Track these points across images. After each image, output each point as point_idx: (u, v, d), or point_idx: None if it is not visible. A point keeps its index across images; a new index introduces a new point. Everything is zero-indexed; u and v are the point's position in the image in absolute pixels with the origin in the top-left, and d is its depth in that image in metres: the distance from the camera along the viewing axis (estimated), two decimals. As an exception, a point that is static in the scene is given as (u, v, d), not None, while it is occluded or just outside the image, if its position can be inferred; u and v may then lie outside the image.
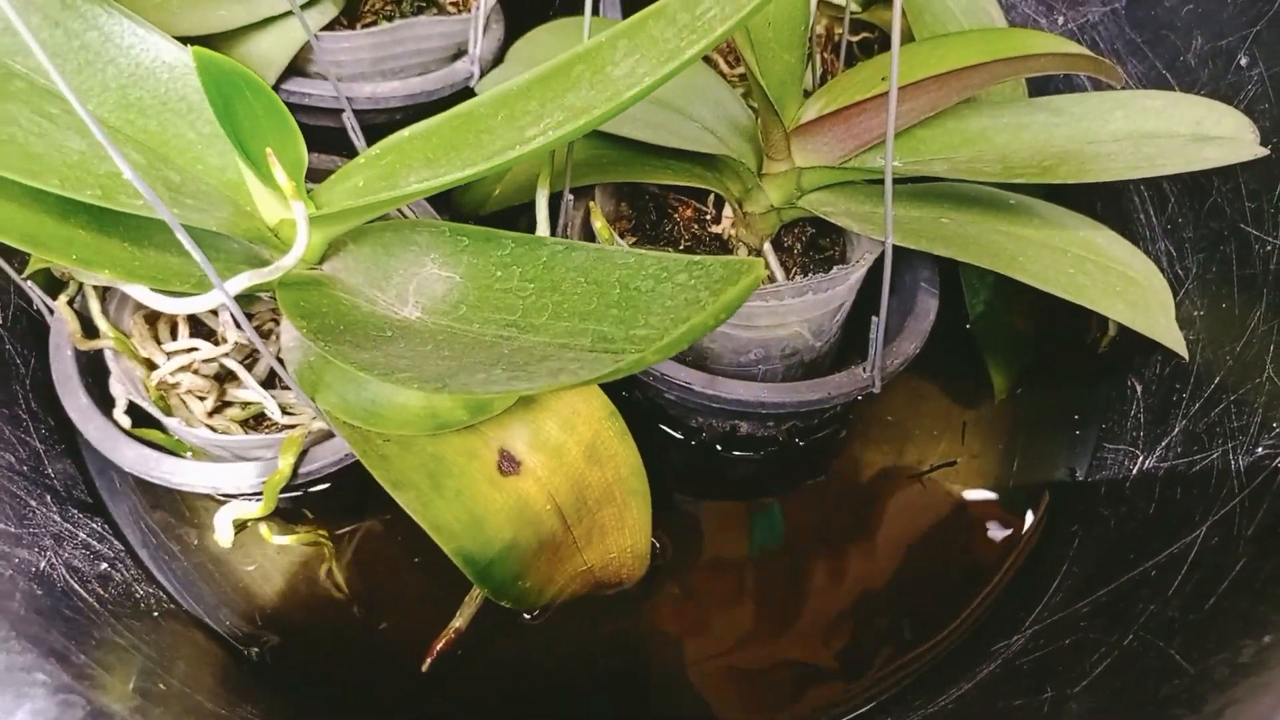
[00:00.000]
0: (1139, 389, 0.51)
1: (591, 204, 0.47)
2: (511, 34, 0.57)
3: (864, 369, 0.46)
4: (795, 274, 0.51)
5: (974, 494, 0.53)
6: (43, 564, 0.36)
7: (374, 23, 0.54)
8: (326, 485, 0.46)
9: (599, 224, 0.47)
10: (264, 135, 0.34)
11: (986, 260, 0.44)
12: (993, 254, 0.44)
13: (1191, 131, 0.45)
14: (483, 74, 0.55)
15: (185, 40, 0.40)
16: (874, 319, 0.43)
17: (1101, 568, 0.43)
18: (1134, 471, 0.47)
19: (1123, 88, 0.50)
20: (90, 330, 0.42)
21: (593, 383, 0.28)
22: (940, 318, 0.50)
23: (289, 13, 0.47)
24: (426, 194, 0.32)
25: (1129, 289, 0.46)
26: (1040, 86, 0.61)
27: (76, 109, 0.23)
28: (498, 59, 0.57)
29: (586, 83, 0.35)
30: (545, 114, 0.35)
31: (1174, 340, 0.45)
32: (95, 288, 0.41)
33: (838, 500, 0.53)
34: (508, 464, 0.41)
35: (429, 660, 0.43)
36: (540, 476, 0.41)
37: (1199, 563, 0.37)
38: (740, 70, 0.60)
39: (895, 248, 0.42)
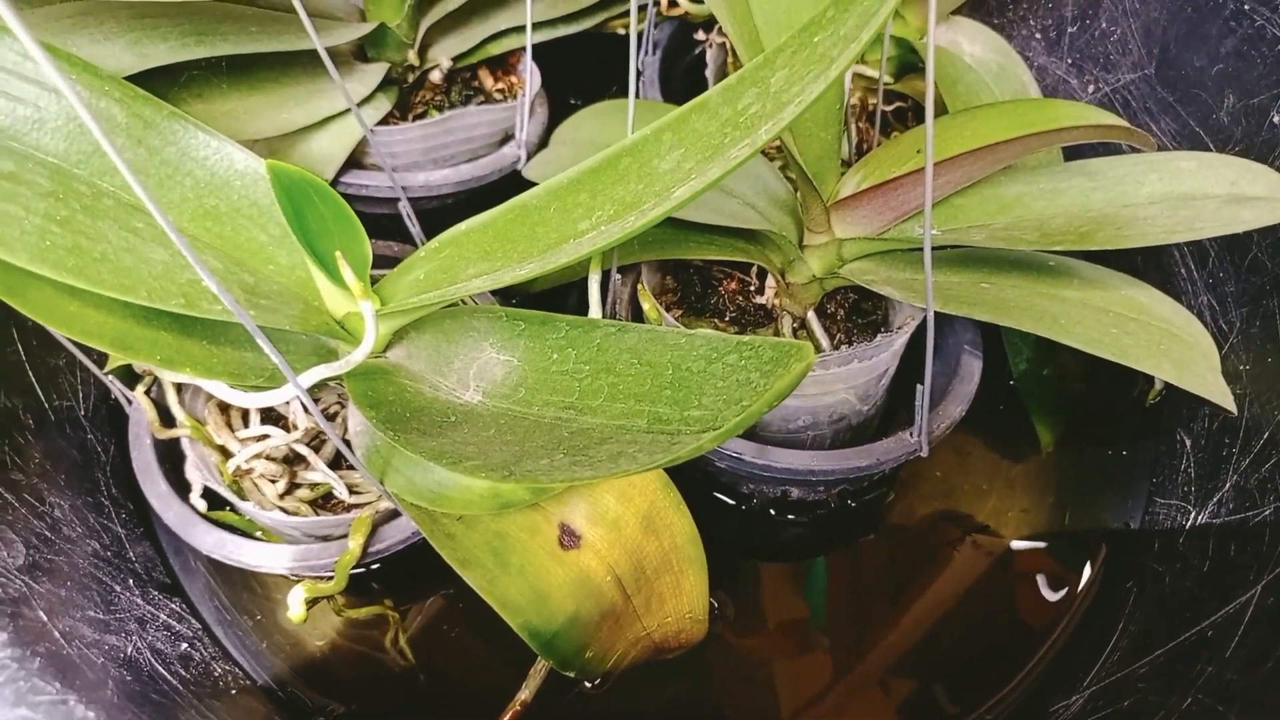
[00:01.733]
0: (1188, 443, 0.51)
1: (640, 287, 0.49)
2: (555, 118, 0.59)
3: (911, 434, 0.46)
4: (839, 340, 0.52)
5: (1026, 549, 0.54)
6: (129, 649, 0.37)
7: (425, 114, 0.56)
8: (393, 560, 0.47)
9: (647, 305, 0.48)
10: (331, 237, 0.36)
11: (1028, 324, 0.44)
12: (1035, 317, 0.45)
13: (1227, 192, 0.46)
14: (529, 157, 0.57)
15: (252, 144, 0.43)
16: (919, 387, 0.44)
17: (1157, 626, 0.43)
18: (1187, 527, 0.47)
19: (1157, 148, 0.51)
20: (167, 419, 0.44)
21: (651, 469, 0.29)
22: (984, 374, 0.50)
23: (346, 111, 0.49)
24: (485, 290, 0.34)
25: (1174, 347, 0.47)
26: (1076, 148, 0.62)
27: (162, 224, 0.25)
28: (543, 142, 0.59)
29: (634, 176, 0.36)
30: (596, 206, 0.37)
31: (1222, 396, 0.46)
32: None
33: (890, 559, 0.53)
34: (568, 538, 0.42)
35: (495, 731, 0.44)
36: (600, 549, 0.42)
37: (1256, 621, 0.37)
38: (777, 142, 0.61)
39: (937, 313, 0.43)
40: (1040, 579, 0.52)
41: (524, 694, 0.44)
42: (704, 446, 0.29)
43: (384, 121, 0.54)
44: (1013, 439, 0.58)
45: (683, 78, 0.74)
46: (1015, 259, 0.50)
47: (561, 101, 0.60)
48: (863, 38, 0.27)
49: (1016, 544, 0.53)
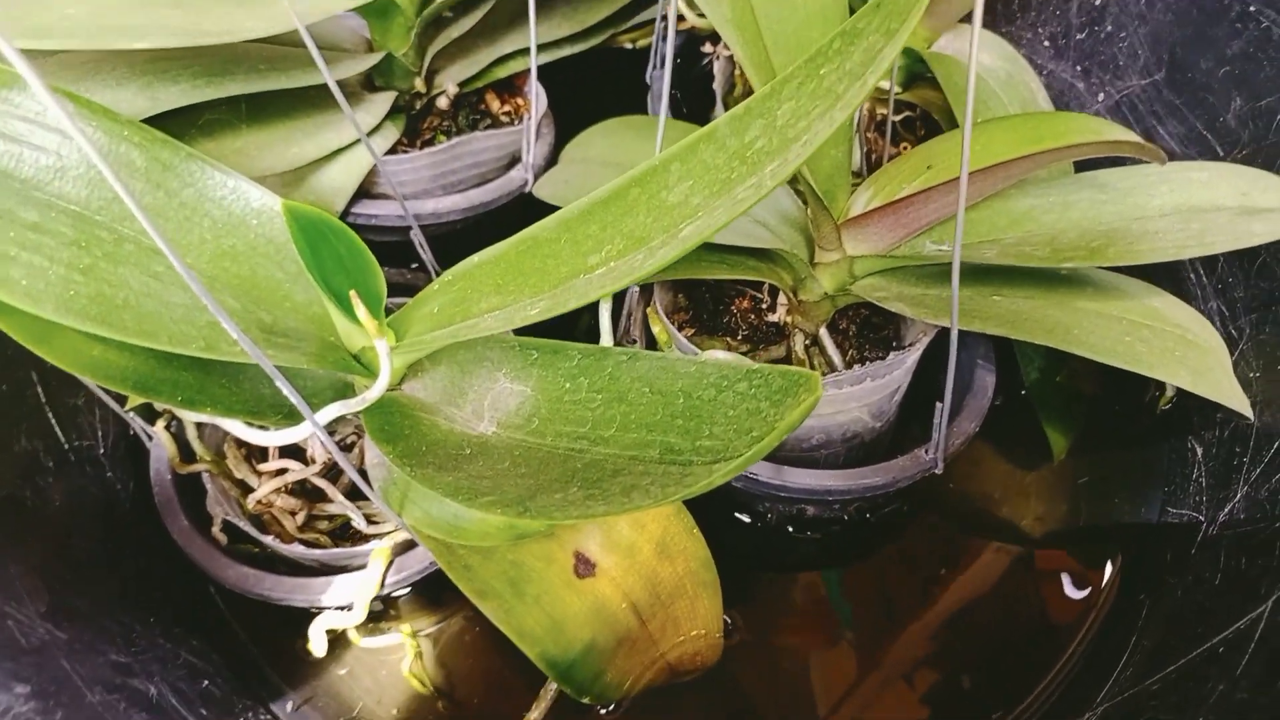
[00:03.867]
0: (1199, 452, 0.52)
1: (651, 309, 0.50)
2: (562, 136, 0.60)
3: (926, 451, 0.47)
4: (852, 357, 0.52)
5: (1039, 561, 0.54)
6: (152, 691, 0.38)
7: (433, 140, 0.57)
8: (410, 588, 0.48)
9: (657, 328, 0.49)
10: (346, 274, 0.36)
11: (1041, 336, 0.45)
12: (1047, 329, 0.46)
13: (1238, 204, 0.47)
14: (536, 179, 0.58)
15: (264, 179, 0.43)
16: (938, 405, 0.45)
17: (1170, 641, 0.44)
18: (1199, 538, 0.48)
19: (1166, 155, 0.52)
20: (187, 453, 0.45)
21: (664, 504, 0.30)
22: (996, 384, 0.51)
23: (355, 141, 0.50)
24: (498, 330, 0.35)
25: (1189, 353, 0.47)
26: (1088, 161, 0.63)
27: (181, 273, 0.26)
28: (550, 162, 0.60)
29: (643, 208, 0.37)
30: (606, 239, 0.37)
31: (1238, 401, 0.46)
32: (191, 415, 0.44)
33: (905, 572, 0.54)
34: (583, 566, 0.42)
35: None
36: (615, 576, 0.43)
37: (1267, 639, 0.37)
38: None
39: (947, 329, 0.44)
40: (1053, 591, 0.53)
41: (533, 714, 0.45)
42: (715, 481, 0.30)
43: (392, 150, 0.55)
44: (1025, 448, 0.59)
45: (691, 90, 0.75)
46: (1027, 271, 0.51)
47: (568, 119, 0.61)
48: (869, 80, 0.28)
49: (1030, 556, 0.54)
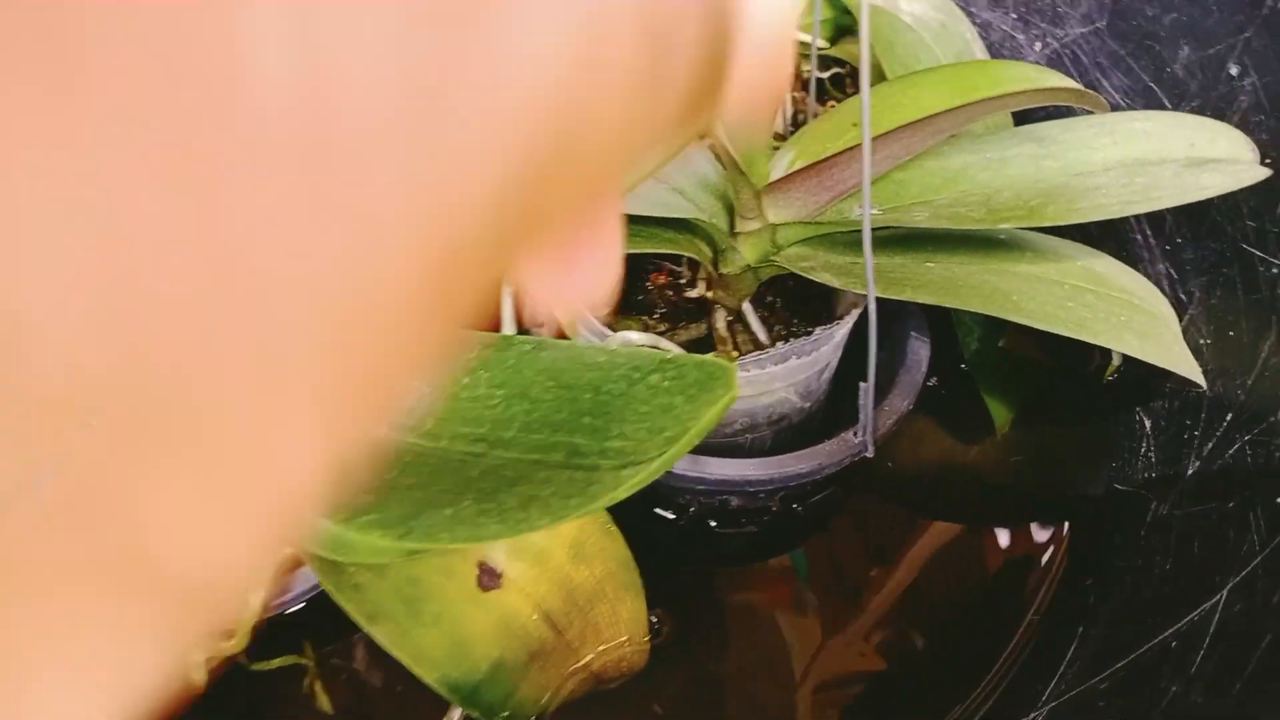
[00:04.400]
0: (1148, 424, 0.49)
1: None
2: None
3: (855, 434, 0.44)
4: (778, 332, 0.49)
5: (982, 546, 0.51)
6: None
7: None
8: (306, 603, 0.44)
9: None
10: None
11: (978, 304, 0.42)
12: (984, 296, 0.42)
13: (1185, 155, 0.43)
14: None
15: None
16: (861, 385, 0.41)
17: (1119, 633, 0.41)
18: (1149, 519, 0.45)
19: (1111, 107, 0.48)
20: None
21: (565, 521, 0.27)
22: (934, 354, 0.48)
23: None
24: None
25: (1135, 318, 0.44)
26: (1026, 110, 0.60)
27: None
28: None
29: None
30: None
31: (1189, 368, 0.43)
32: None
33: (839, 561, 0.51)
34: (488, 578, 0.39)
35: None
36: (524, 586, 0.39)
37: (1222, 633, 0.34)
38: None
39: (878, 299, 0.40)
40: (997, 578, 0.50)
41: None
42: (620, 494, 0.27)
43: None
44: (966, 423, 0.56)
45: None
46: (962, 234, 0.47)
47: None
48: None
49: (973, 540, 0.51)
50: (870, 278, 0.38)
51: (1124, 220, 0.55)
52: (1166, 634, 0.37)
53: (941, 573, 0.50)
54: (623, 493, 0.27)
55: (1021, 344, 0.55)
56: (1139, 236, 0.55)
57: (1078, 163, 0.45)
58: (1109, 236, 0.55)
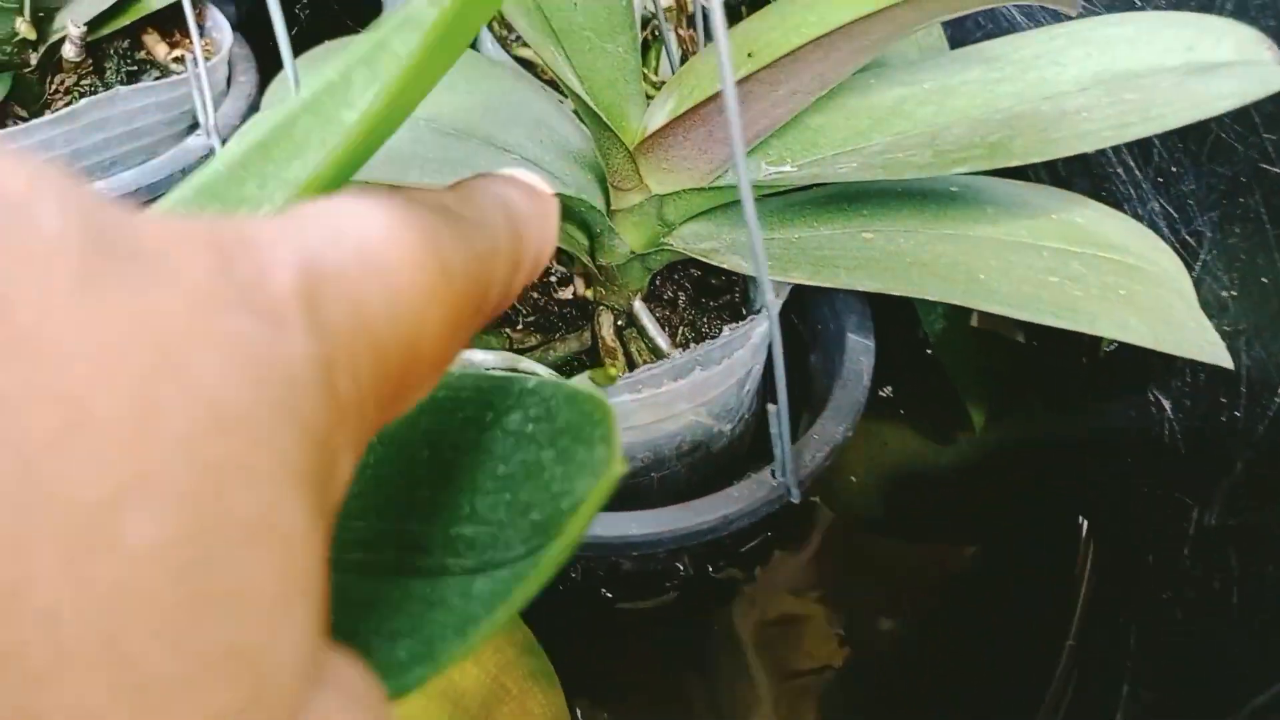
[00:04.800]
0: (1167, 406, 0.39)
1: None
2: (267, 80, 0.44)
3: (775, 472, 0.33)
4: (684, 335, 0.38)
5: (972, 592, 0.41)
6: None
7: (69, 105, 0.40)
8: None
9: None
10: None
11: (934, 289, 0.31)
12: (941, 277, 0.32)
13: (1183, 61, 0.33)
14: (225, 142, 0.42)
15: None
16: (770, 408, 0.30)
17: (1175, 700, 0.30)
18: (1190, 531, 0.35)
19: (1080, 14, 0.38)
20: None
21: (404, 688, 0.16)
22: (895, 337, 0.37)
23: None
24: None
25: (1135, 286, 0.34)
26: (961, 35, 0.49)
27: None
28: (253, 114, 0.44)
29: (317, 139, 0.23)
30: (265, 198, 0.23)
31: (1210, 349, 0.33)
32: None
33: (788, 635, 0.40)
34: None
35: None
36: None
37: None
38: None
39: (808, 287, 0.29)
40: (997, 630, 0.40)
41: None
42: (481, 631, 0.16)
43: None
44: (938, 420, 0.45)
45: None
46: (904, 190, 0.37)
47: (276, 56, 0.45)
48: None
49: (957, 591, 0.41)
50: (759, 255, 0.27)
51: (1098, 153, 0.44)
52: (1246, 709, 0.26)
53: (915, 645, 0.39)
54: (485, 628, 0.16)
55: (997, 319, 0.44)
56: (1119, 170, 0.44)
57: (1043, 83, 0.35)
58: (1081, 174, 0.45)
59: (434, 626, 0.17)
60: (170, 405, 0.09)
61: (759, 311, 0.36)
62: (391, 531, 0.20)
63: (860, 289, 0.32)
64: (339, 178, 0.19)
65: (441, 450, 0.20)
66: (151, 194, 0.40)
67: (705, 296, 0.40)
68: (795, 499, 0.32)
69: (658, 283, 0.39)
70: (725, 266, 0.34)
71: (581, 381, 0.31)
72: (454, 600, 0.17)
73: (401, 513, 0.20)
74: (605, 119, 0.32)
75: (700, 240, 0.35)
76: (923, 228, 0.35)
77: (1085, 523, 0.40)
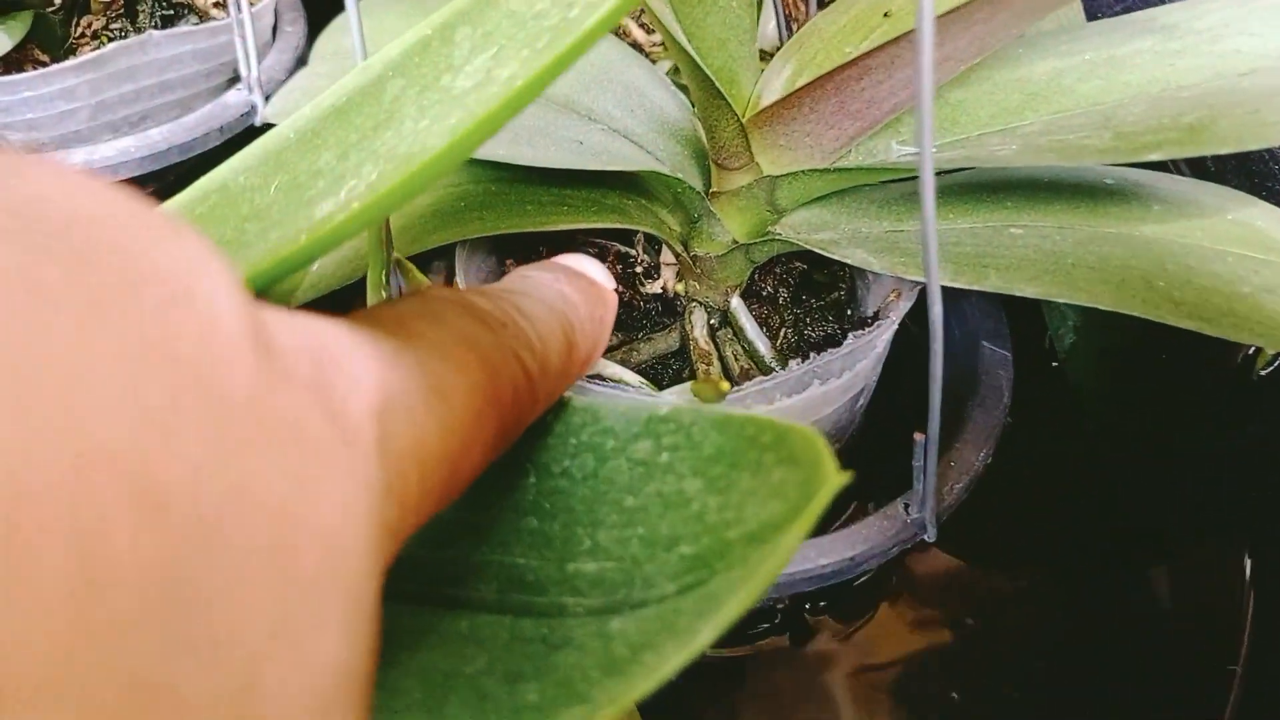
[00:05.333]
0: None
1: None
2: (316, 32, 0.39)
3: (909, 508, 0.28)
4: (786, 338, 0.33)
5: (1122, 652, 0.36)
6: None
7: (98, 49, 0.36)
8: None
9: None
10: None
11: (1108, 297, 0.26)
12: (1114, 283, 0.27)
13: None
14: (270, 98, 0.37)
15: None
16: (918, 437, 0.26)
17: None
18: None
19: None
20: None
21: None
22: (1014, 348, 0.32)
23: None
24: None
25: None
26: (1095, 8, 0.44)
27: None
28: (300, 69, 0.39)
29: (413, 108, 0.19)
30: (348, 171, 0.19)
31: None
32: None
33: (895, 663, 0.35)
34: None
35: None
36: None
37: None
38: (659, 36, 0.42)
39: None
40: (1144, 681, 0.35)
41: None
42: (636, 688, 0.13)
43: (11, 66, 0.34)
44: (1064, 447, 0.40)
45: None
46: (1053, 181, 0.32)
47: (325, 5, 0.40)
48: None
49: (1105, 645, 0.35)
50: (931, 253, 0.22)
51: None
52: None
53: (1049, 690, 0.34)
54: (640, 683, 0.13)
55: (1138, 332, 0.39)
56: (1276, 165, 0.39)
57: (1237, 56, 0.29)
58: (1235, 171, 0.40)
59: (567, 669, 0.15)
60: (306, 544, 0.09)
61: (876, 317, 0.31)
62: (491, 564, 0.18)
63: (1017, 294, 0.27)
64: (453, 156, 0.16)
65: (550, 478, 0.18)
66: (184, 154, 0.36)
67: (808, 295, 0.35)
68: (931, 538, 0.27)
69: (756, 277, 0.34)
70: (848, 261, 0.29)
71: (682, 395, 0.27)
72: (588, 641, 0.16)
73: (502, 545, 0.18)
74: (717, 82, 0.27)
75: (816, 230, 0.30)
76: (1079, 224, 0.30)
77: (1249, 562, 0.35)
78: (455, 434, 0.13)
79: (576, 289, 0.17)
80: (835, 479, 0.13)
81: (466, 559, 0.18)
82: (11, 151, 0.09)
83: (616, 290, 0.34)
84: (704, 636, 0.12)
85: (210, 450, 0.08)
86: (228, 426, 0.09)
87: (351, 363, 0.12)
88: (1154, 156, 0.25)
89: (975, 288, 0.27)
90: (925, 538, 0.28)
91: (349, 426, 0.11)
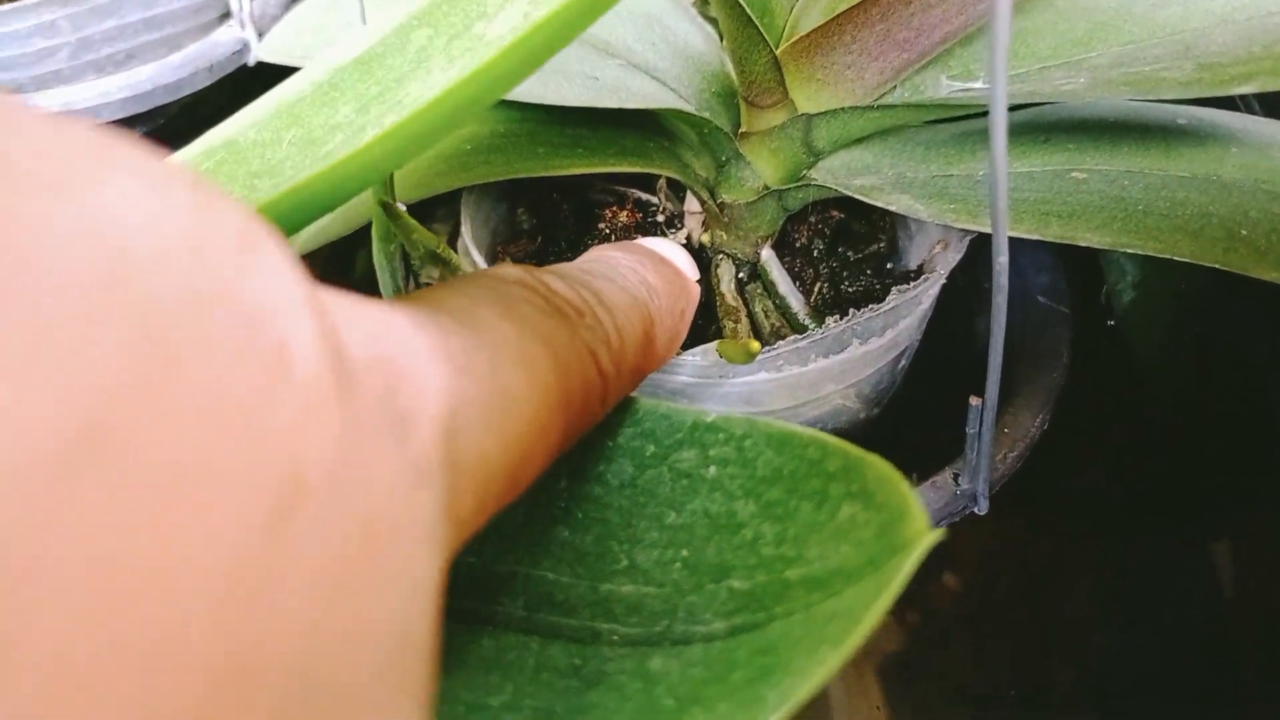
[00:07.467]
0: None
1: (440, 250, 0.27)
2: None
3: (957, 476, 0.26)
4: (821, 293, 0.31)
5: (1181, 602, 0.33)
6: None
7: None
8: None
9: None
10: None
11: (1186, 248, 0.24)
12: (1192, 232, 0.24)
13: None
14: (264, 35, 0.35)
15: None
16: (973, 401, 0.23)
17: None
18: None
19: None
20: None
21: None
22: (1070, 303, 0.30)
23: None
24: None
25: None
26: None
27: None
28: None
29: (442, 57, 0.18)
30: (369, 124, 0.18)
31: None
32: None
33: (938, 642, 0.33)
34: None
35: None
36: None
37: None
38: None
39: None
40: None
41: None
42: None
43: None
44: (1121, 412, 0.37)
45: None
46: (1118, 121, 0.29)
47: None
48: None
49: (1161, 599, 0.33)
50: (1000, 200, 0.20)
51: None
52: None
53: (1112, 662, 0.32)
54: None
55: (1206, 288, 0.37)
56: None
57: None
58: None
59: (601, 713, 0.13)
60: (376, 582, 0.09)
61: (921, 270, 0.29)
62: (517, 576, 0.16)
63: (1081, 244, 0.24)
64: (478, 100, 0.15)
65: (584, 483, 0.17)
66: (171, 95, 0.34)
67: (845, 245, 0.32)
68: (982, 510, 0.25)
69: (789, 227, 0.32)
70: (891, 208, 0.26)
71: (708, 355, 0.24)
72: (627, 683, 0.14)
73: (530, 555, 0.17)
74: (747, 9, 0.25)
75: (856, 175, 0.28)
76: (1150, 168, 0.27)
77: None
78: (519, 445, 0.12)
79: (661, 277, 0.16)
80: (925, 535, 0.11)
81: (489, 567, 0.17)
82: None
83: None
84: (771, 708, 0.10)
85: (315, 586, 0.08)
86: (329, 546, 0.08)
87: (420, 373, 0.11)
88: (1245, 89, 0.23)
89: (1035, 236, 0.24)
90: (976, 510, 0.26)
91: (421, 464, 0.10)
